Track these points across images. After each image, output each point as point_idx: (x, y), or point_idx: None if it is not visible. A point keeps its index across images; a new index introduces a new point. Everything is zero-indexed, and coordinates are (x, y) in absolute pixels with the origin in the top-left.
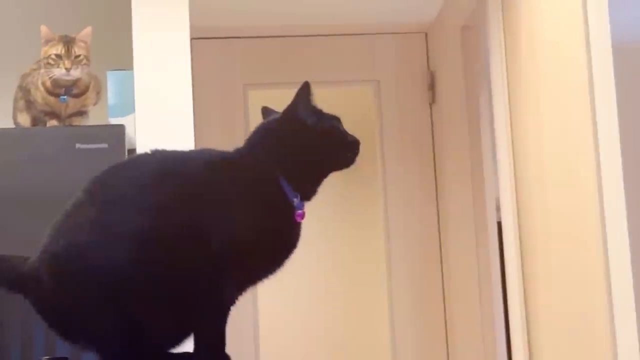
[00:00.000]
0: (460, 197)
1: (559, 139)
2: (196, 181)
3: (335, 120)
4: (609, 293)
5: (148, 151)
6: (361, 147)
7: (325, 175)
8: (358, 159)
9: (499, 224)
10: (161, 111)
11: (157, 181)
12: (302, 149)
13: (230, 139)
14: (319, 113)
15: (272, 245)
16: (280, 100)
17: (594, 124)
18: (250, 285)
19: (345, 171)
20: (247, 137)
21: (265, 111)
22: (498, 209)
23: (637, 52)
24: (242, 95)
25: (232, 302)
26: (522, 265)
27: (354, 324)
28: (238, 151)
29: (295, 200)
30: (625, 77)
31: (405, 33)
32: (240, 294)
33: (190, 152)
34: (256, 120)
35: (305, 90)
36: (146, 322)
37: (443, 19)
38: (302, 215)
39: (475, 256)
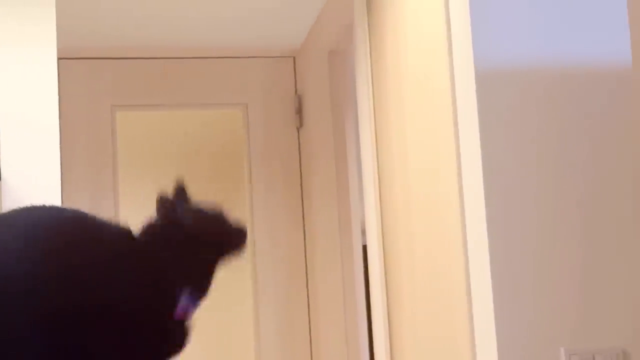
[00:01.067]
0: (327, 220)
1: (423, 163)
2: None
3: (216, 210)
4: (470, 314)
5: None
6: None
7: (215, 267)
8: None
9: (364, 247)
10: (27, 131)
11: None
12: (185, 248)
13: (97, 159)
14: (197, 210)
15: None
16: (148, 121)
17: (457, 148)
18: None
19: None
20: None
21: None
22: (364, 232)
23: (498, 77)
24: (110, 116)
25: None
26: (387, 287)
27: (219, 344)
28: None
29: (184, 297)
30: (487, 102)
31: (274, 57)
32: None
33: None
34: (124, 141)
35: (180, 192)
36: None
37: (310, 44)
38: (183, 312)
39: (341, 279)
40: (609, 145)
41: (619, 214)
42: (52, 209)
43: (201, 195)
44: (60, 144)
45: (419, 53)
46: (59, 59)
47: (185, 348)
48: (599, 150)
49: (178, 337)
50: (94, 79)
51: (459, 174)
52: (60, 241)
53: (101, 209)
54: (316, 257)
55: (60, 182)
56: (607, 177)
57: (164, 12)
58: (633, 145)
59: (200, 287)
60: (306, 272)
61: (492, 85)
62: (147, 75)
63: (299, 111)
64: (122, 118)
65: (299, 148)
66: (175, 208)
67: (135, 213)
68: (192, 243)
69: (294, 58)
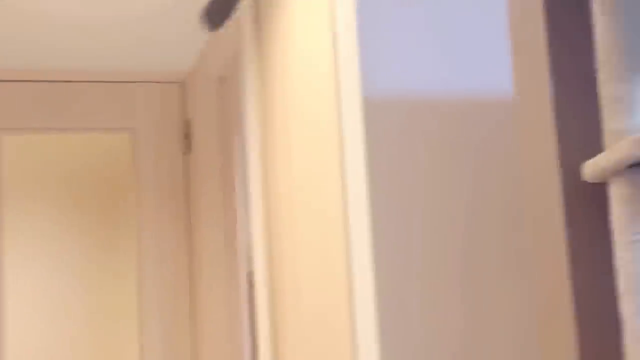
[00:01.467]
0: (213, 246)
1: (309, 190)
2: None
3: None
4: (354, 339)
5: None
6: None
7: None
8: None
9: (249, 274)
10: None
11: None
12: None
13: None
14: None
15: None
16: (37, 145)
17: (343, 176)
18: None
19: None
20: None
21: None
22: (249, 259)
23: (384, 105)
24: None
25: None
26: (272, 313)
27: None
28: None
29: None
30: (373, 130)
31: (163, 82)
32: None
33: None
34: (11, 165)
35: None
36: None
37: (199, 69)
38: None
39: (225, 305)
40: (492, 171)
41: (502, 237)
42: None
43: (89, 219)
44: None
45: (307, 80)
46: None
47: None
48: (482, 176)
49: None
50: None
51: (345, 201)
52: None
53: None
54: (202, 283)
55: None
56: (490, 201)
57: (51, 36)
58: (513, 170)
59: None
60: (190, 299)
61: (377, 113)
62: (33, 98)
63: (187, 136)
64: (9, 142)
65: (187, 174)
66: None
67: (20, 230)
68: None
69: (183, 83)
